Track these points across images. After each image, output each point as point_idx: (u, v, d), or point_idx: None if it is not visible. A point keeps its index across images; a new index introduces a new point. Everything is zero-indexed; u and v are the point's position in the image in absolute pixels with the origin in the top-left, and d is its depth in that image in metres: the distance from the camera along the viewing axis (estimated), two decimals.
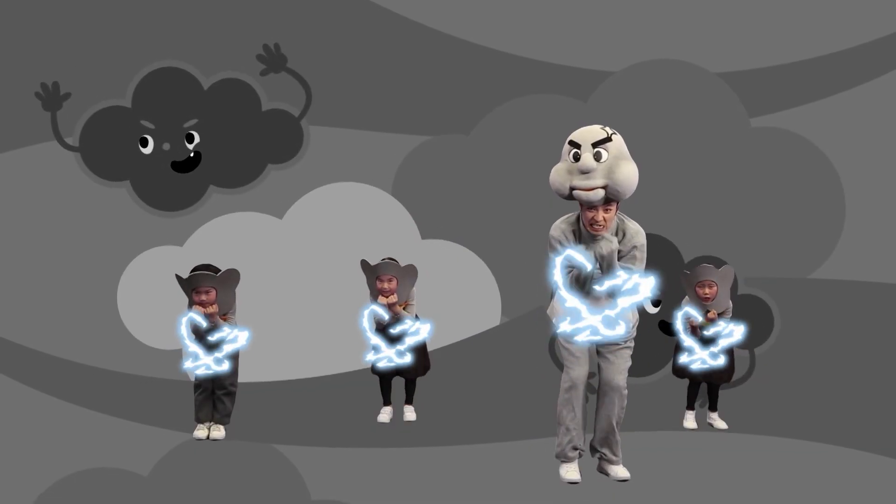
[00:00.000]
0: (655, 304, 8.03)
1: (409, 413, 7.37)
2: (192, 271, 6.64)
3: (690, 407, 7.18)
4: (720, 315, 7.04)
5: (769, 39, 8.65)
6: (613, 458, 5.69)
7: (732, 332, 7.01)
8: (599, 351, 5.66)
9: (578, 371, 5.60)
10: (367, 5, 8.84)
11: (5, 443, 6.50)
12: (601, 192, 5.28)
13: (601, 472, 5.75)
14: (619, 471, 5.66)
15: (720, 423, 7.14)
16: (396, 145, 8.77)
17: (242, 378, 6.92)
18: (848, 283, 8.55)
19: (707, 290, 7.00)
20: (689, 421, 7.13)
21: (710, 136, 8.60)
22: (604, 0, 8.76)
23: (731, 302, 7.12)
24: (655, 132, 8.26)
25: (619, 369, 5.60)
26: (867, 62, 8.63)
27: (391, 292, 7.18)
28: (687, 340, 7.04)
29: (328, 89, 8.76)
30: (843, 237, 8.55)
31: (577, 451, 5.67)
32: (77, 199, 8.69)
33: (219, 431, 6.68)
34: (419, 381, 7.42)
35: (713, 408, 7.20)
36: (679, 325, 7.05)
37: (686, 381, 7.19)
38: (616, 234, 5.44)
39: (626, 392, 5.62)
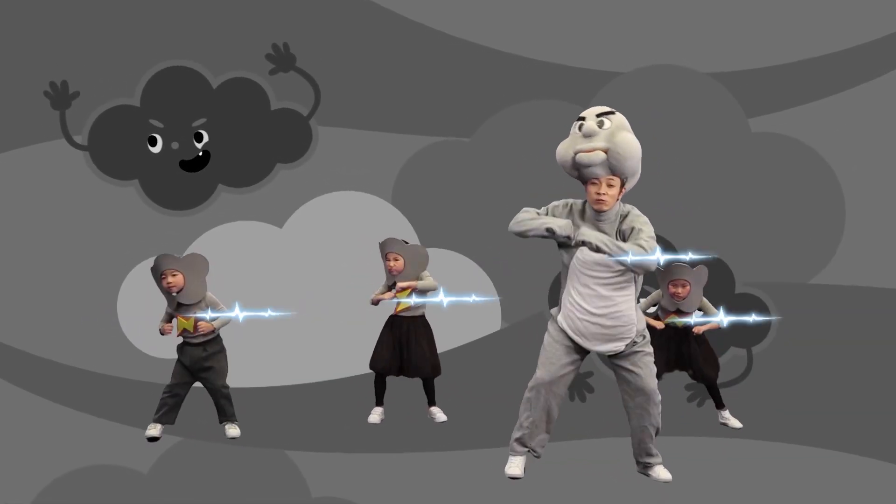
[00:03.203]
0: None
1: (439, 414, 7.30)
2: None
3: None
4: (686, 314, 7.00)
5: (765, 40, 8.69)
6: (654, 461, 5.76)
7: (719, 319, 6.95)
8: (619, 365, 5.66)
9: (545, 373, 5.64)
10: (372, 7, 8.84)
11: (5, 444, 6.50)
12: (602, 155, 5.40)
13: (643, 473, 5.81)
14: (662, 472, 5.73)
15: (734, 422, 7.06)
16: (402, 145, 8.78)
17: (242, 383, 6.95)
18: (847, 287, 8.58)
19: (680, 290, 6.91)
20: None
21: (711, 142, 8.63)
22: (600, 3, 8.80)
23: (704, 300, 7.02)
24: (655, 137, 8.24)
25: (649, 375, 5.64)
26: (863, 64, 8.69)
27: (398, 271, 7.20)
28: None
29: (335, 89, 8.76)
30: (843, 242, 8.59)
31: (525, 448, 5.78)
32: (85, 198, 8.66)
33: (234, 429, 6.74)
34: (417, 384, 7.40)
35: (721, 405, 7.13)
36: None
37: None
38: (619, 220, 5.53)
39: (658, 397, 5.67)
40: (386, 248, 7.25)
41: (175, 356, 6.83)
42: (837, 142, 8.62)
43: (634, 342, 5.61)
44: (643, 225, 5.49)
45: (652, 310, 7.16)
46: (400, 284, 7.21)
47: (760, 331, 7.80)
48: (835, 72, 8.70)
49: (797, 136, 8.62)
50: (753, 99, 8.68)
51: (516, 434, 5.79)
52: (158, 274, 6.66)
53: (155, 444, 6.49)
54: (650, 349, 5.67)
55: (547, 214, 5.65)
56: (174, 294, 6.65)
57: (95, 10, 8.71)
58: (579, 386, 7.36)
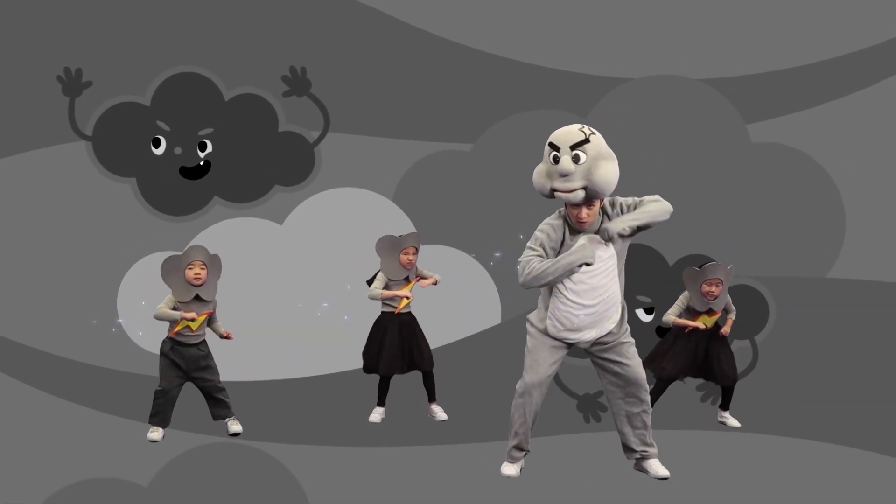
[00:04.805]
0: (648, 311, 8.14)
1: (440, 413, 7.33)
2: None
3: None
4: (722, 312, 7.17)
5: (761, 46, 8.70)
6: (652, 451, 5.80)
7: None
8: (605, 358, 5.71)
9: (535, 376, 5.69)
10: (378, 15, 8.84)
11: (7, 440, 6.53)
12: (581, 194, 5.41)
13: (639, 469, 5.84)
14: (660, 469, 5.76)
15: (733, 422, 7.20)
16: (400, 152, 8.79)
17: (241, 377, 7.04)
18: (849, 281, 8.60)
19: (714, 289, 7.06)
20: None
21: (710, 152, 8.65)
22: (600, 10, 8.81)
23: (728, 299, 7.22)
24: (654, 147, 8.30)
25: (638, 364, 5.73)
26: (860, 70, 8.72)
27: (412, 266, 7.29)
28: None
29: (334, 96, 8.76)
30: (845, 244, 8.61)
31: (523, 452, 5.85)
32: (80, 190, 8.64)
33: (236, 425, 6.80)
34: (417, 384, 7.40)
35: (726, 406, 7.24)
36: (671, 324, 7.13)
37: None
38: (603, 214, 5.59)
39: (647, 385, 5.77)
40: (408, 243, 7.28)
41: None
42: (835, 148, 8.65)
43: (620, 328, 5.69)
44: (629, 198, 5.63)
45: (669, 318, 7.17)
46: (425, 282, 7.33)
47: (760, 319, 7.84)
48: (832, 78, 8.72)
49: (794, 142, 8.65)
50: (750, 105, 8.68)
51: (513, 442, 5.82)
52: (185, 263, 6.62)
53: (156, 448, 6.49)
54: (631, 339, 5.76)
55: (542, 243, 5.58)
56: (197, 286, 6.64)
57: (119, 5, 8.69)
58: (592, 407, 7.34)
